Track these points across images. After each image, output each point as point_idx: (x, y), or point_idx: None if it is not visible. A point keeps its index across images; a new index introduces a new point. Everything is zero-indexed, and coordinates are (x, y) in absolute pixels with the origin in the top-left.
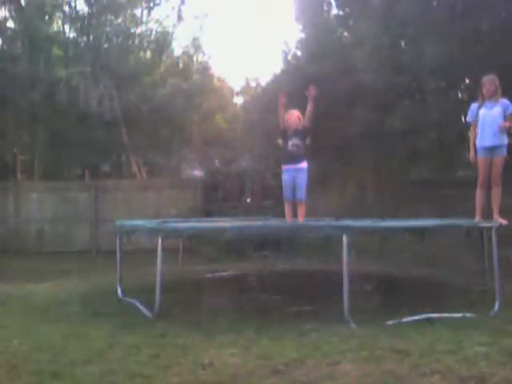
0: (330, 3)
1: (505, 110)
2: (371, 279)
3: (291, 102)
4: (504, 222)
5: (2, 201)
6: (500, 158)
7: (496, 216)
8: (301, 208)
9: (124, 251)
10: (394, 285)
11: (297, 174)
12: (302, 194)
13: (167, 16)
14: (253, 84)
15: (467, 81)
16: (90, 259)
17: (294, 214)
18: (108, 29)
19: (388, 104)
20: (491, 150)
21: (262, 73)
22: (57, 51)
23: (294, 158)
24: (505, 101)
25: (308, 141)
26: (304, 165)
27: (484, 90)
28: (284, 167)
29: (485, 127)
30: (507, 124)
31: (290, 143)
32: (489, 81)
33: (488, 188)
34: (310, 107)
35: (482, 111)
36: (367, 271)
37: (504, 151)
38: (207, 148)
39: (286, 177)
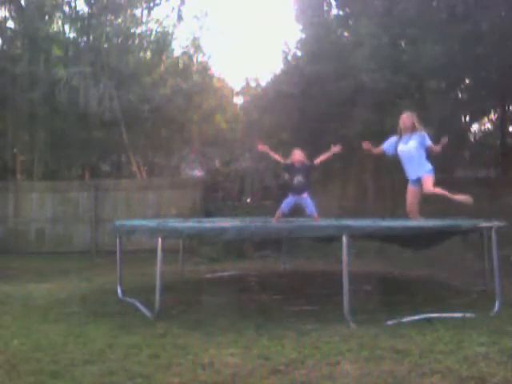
0: (330, 3)
1: (421, 142)
2: (371, 279)
3: (291, 103)
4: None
5: (2, 201)
6: (414, 189)
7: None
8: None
9: (124, 251)
10: (394, 285)
11: (300, 200)
12: (312, 210)
13: (167, 16)
14: (253, 84)
15: (467, 81)
16: (89, 259)
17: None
18: (108, 29)
19: (388, 104)
20: (418, 180)
21: (262, 73)
22: (57, 51)
23: (298, 192)
24: (421, 133)
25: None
26: (306, 195)
27: (401, 124)
28: (290, 196)
29: (405, 164)
30: (438, 149)
31: (296, 180)
32: (406, 117)
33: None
34: (327, 156)
35: (400, 147)
36: (367, 271)
37: (431, 173)
38: (207, 148)
39: (289, 199)
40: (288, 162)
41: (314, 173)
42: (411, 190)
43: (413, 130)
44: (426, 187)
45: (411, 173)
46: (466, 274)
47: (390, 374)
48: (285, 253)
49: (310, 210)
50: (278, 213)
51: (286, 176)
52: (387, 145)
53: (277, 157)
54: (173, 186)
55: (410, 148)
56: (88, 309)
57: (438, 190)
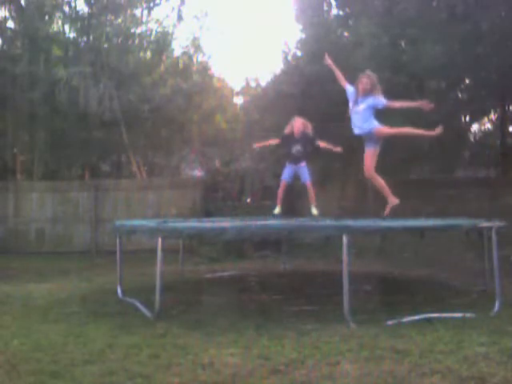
0: (330, 3)
1: (373, 104)
2: (371, 279)
3: (291, 103)
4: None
5: (2, 201)
6: (369, 150)
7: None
8: (310, 190)
9: (124, 251)
10: (394, 285)
11: (298, 169)
12: (306, 177)
13: (167, 16)
14: (253, 84)
15: (467, 81)
16: (89, 259)
17: (286, 200)
18: (108, 29)
19: None
20: (369, 137)
21: (262, 73)
22: (57, 51)
23: (296, 161)
24: (376, 97)
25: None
26: (303, 164)
27: (360, 86)
28: (287, 165)
29: (352, 121)
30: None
31: (294, 149)
32: (367, 77)
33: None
34: (328, 147)
35: (353, 108)
36: (367, 271)
37: (371, 144)
38: (207, 148)
39: (288, 168)
40: (287, 131)
41: (312, 147)
42: (367, 151)
43: (370, 92)
44: (383, 132)
45: (356, 128)
46: (466, 274)
47: (390, 373)
48: (285, 253)
49: (304, 178)
50: (281, 190)
51: (284, 146)
52: (350, 87)
53: (273, 141)
54: (173, 186)
55: (359, 109)
56: (88, 309)
57: (396, 130)
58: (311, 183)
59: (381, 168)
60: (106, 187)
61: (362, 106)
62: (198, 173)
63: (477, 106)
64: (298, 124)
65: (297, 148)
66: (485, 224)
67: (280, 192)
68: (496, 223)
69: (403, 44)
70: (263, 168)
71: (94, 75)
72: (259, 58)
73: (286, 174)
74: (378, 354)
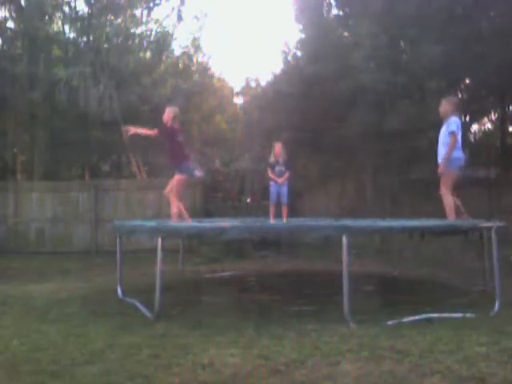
0: (330, 3)
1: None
2: (371, 279)
3: (291, 103)
4: None
5: (2, 201)
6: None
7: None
8: (285, 209)
9: (124, 251)
10: (394, 285)
11: (280, 188)
12: (285, 200)
13: (167, 16)
14: (253, 84)
15: (467, 81)
16: (89, 259)
17: (277, 214)
18: (108, 29)
19: (387, 104)
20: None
21: (262, 73)
22: (57, 51)
23: (279, 177)
24: (451, 119)
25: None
26: (285, 184)
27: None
28: (272, 185)
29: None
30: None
31: (277, 169)
32: (442, 101)
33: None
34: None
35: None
36: (367, 271)
37: (447, 165)
38: (207, 148)
39: (273, 188)
40: (272, 160)
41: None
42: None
43: (446, 115)
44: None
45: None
46: (466, 274)
47: (390, 373)
48: (285, 253)
49: (283, 199)
50: (272, 210)
51: (270, 168)
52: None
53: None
54: None
55: (442, 132)
56: (88, 309)
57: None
58: (287, 205)
59: (381, 168)
60: (106, 187)
61: (443, 128)
62: (197, 173)
63: (477, 106)
64: (277, 149)
65: (279, 168)
66: (485, 224)
67: (272, 211)
68: (496, 223)
69: (403, 44)
70: (263, 168)
71: (94, 75)
72: (259, 58)
73: (273, 196)
74: (378, 353)
